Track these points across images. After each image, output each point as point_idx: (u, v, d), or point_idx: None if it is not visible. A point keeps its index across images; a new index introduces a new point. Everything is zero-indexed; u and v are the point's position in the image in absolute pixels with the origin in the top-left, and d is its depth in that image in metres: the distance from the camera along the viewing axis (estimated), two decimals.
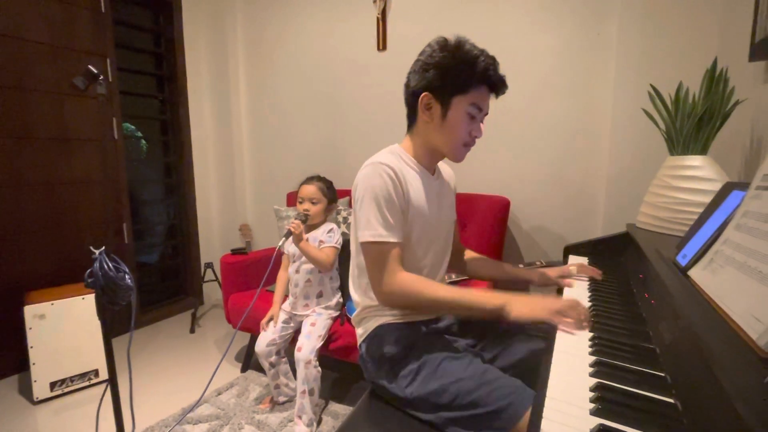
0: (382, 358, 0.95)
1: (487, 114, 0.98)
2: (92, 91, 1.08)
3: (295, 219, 1.50)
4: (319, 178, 1.67)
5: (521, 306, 0.81)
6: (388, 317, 1.00)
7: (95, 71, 1.07)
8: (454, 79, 0.92)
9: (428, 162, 1.04)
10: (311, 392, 1.47)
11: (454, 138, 0.96)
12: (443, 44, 0.93)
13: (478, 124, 0.97)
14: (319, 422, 1.54)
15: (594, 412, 0.50)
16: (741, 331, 0.47)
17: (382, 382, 0.94)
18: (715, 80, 1.05)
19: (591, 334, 0.71)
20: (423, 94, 0.94)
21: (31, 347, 1.69)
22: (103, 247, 1.07)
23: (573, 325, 0.75)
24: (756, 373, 0.40)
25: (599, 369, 0.60)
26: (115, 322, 2.14)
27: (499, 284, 1.36)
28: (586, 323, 0.76)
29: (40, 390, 1.72)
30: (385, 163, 0.93)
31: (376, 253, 0.91)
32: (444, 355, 0.91)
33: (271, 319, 1.65)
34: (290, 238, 1.46)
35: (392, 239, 0.91)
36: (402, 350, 0.94)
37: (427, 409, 0.87)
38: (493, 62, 0.93)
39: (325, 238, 1.62)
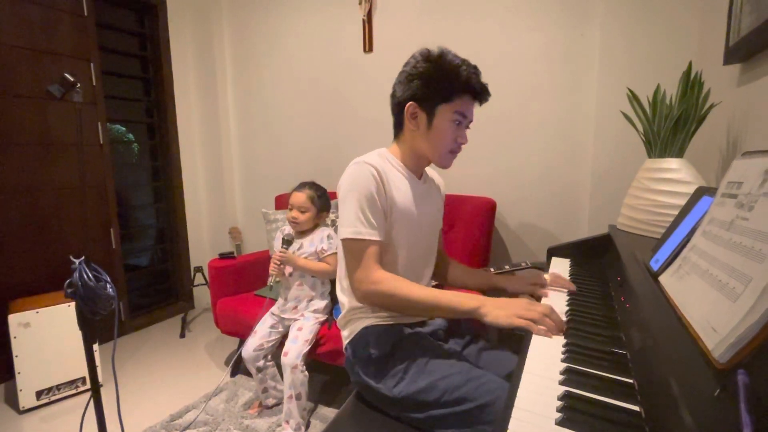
0: (368, 359, 0.96)
1: (471, 121, 1.01)
2: (69, 99, 1.07)
3: (280, 249, 1.54)
4: (312, 186, 1.65)
5: (496, 309, 0.82)
6: (373, 319, 1.00)
7: (71, 79, 1.06)
8: (438, 89, 0.95)
9: (415, 167, 1.07)
10: (298, 397, 1.47)
11: (441, 145, 0.99)
12: (426, 55, 0.97)
13: (464, 131, 1.01)
14: (307, 426, 1.55)
15: (560, 422, 0.51)
16: (700, 340, 0.47)
17: (369, 383, 0.95)
18: (690, 83, 1.06)
19: (564, 341, 0.72)
20: (408, 103, 0.97)
21: (16, 356, 1.67)
22: (83, 257, 1.06)
23: (547, 332, 0.75)
24: (708, 384, 0.40)
25: (568, 377, 0.60)
26: (103, 329, 2.12)
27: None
28: (560, 329, 0.76)
29: (26, 399, 1.71)
30: (370, 162, 0.95)
31: (354, 250, 0.92)
32: (431, 354, 0.92)
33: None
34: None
35: (371, 237, 0.92)
36: (389, 351, 0.95)
37: (416, 409, 0.88)
38: (474, 71, 0.96)
39: (326, 245, 1.63)
